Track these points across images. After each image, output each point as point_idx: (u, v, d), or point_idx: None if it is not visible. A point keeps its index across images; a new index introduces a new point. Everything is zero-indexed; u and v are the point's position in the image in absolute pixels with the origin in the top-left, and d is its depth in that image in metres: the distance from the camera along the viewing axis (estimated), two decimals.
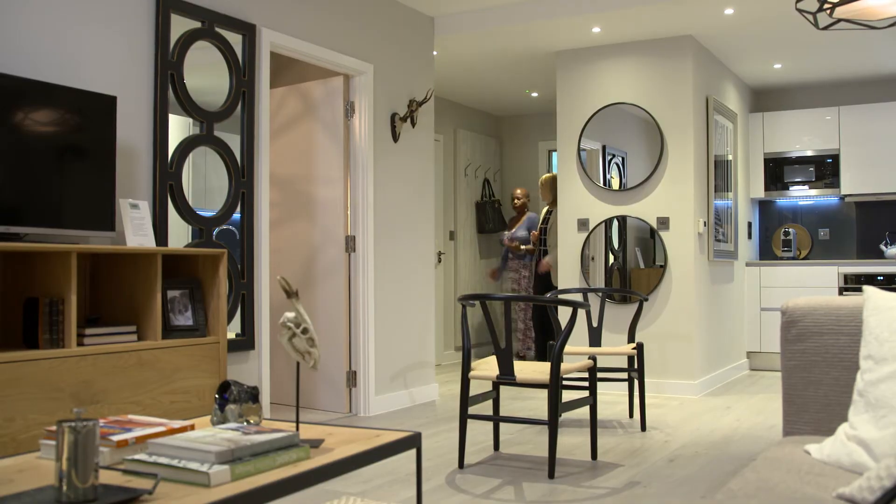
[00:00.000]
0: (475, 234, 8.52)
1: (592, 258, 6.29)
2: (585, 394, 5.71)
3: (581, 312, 5.56)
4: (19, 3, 3.27)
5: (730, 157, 6.91)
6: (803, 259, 7.63)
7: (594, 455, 3.93)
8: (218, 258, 3.63)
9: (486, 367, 3.86)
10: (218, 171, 4.29)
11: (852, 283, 6.99)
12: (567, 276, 6.38)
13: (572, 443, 4.31)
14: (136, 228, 3.47)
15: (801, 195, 7.58)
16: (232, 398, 2.19)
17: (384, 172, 5.36)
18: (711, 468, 3.78)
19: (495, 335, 3.87)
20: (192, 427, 2.11)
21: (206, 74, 4.18)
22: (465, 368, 3.80)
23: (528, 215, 7.73)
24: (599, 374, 5.58)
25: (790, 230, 7.67)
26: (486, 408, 5.14)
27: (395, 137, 5.46)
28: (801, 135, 7.51)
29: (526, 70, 7.04)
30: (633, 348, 4.72)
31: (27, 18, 3.29)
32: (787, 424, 2.13)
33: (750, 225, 7.72)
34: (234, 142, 4.25)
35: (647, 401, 5.36)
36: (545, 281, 7.17)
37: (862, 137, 7.25)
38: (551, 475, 3.56)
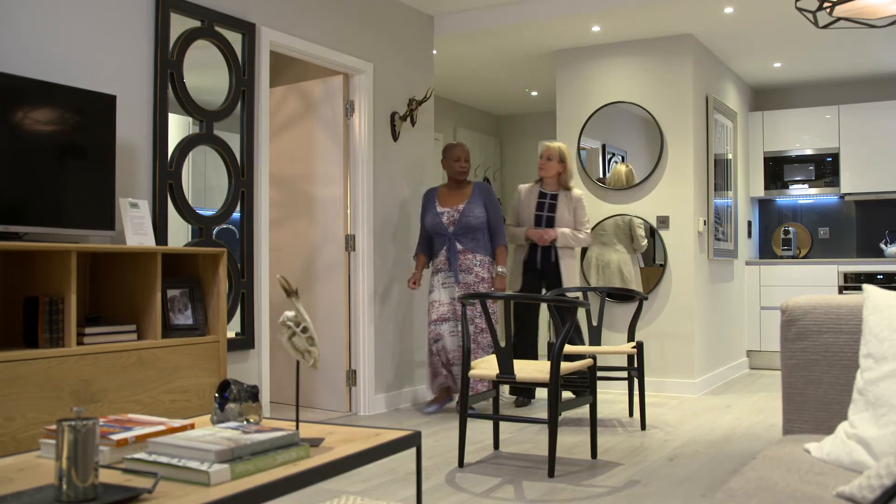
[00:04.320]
0: None
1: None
2: (585, 393, 5.71)
3: (581, 311, 5.56)
4: (19, 3, 3.27)
5: (729, 156, 6.91)
6: (803, 258, 7.63)
7: (594, 454, 3.93)
8: (218, 257, 3.63)
9: (486, 366, 3.86)
10: (218, 170, 4.29)
11: (852, 282, 6.99)
12: None
13: (572, 442, 4.31)
14: (135, 227, 3.47)
15: (801, 194, 7.57)
16: (232, 397, 2.19)
17: (384, 171, 5.36)
18: (711, 467, 3.78)
19: (495, 334, 3.87)
20: (191, 426, 2.11)
21: (205, 73, 4.18)
22: (465, 367, 3.80)
23: (476, 185, 5.24)
24: (599, 374, 5.58)
25: (790, 229, 7.67)
26: (485, 407, 5.14)
27: (395, 136, 5.46)
28: (800, 133, 7.51)
29: (526, 69, 7.04)
30: (633, 347, 4.72)
31: (27, 17, 3.29)
32: (786, 423, 2.13)
33: (750, 224, 7.72)
34: (233, 141, 4.25)
35: (647, 400, 5.36)
36: (545, 271, 5.39)
37: (862, 136, 7.25)
38: (551, 474, 3.56)
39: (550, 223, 5.37)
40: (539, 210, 5.41)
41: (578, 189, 5.59)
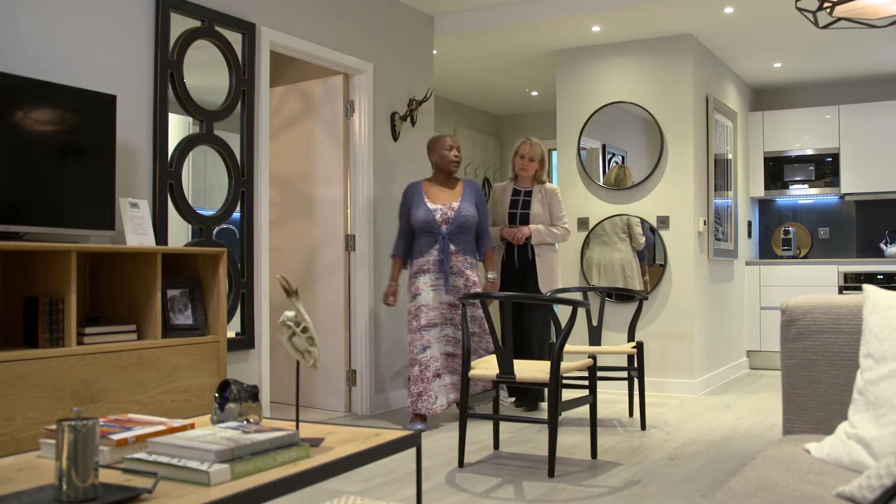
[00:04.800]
0: None
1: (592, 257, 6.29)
2: (585, 393, 5.71)
3: (581, 311, 5.55)
4: (19, 2, 3.27)
5: (730, 156, 6.91)
6: (803, 258, 7.63)
7: (594, 454, 3.93)
8: (218, 257, 3.63)
9: (486, 366, 3.86)
10: (218, 170, 4.29)
11: (852, 282, 6.99)
12: (567, 275, 6.38)
13: (572, 442, 4.31)
14: (135, 227, 3.47)
15: (801, 194, 7.57)
16: (232, 397, 2.19)
17: (384, 171, 5.36)
18: (711, 467, 3.78)
19: (495, 335, 3.86)
20: (191, 426, 2.11)
21: (205, 73, 4.18)
22: (465, 368, 3.80)
23: (466, 181, 4.94)
24: (599, 373, 5.58)
25: (790, 229, 7.67)
26: (485, 407, 5.14)
27: (395, 136, 5.46)
28: (800, 133, 7.51)
29: (526, 69, 7.04)
30: (633, 347, 4.72)
31: (27, 17, 3.29)
32: (786, 423, 2.13)
33: (750, 224, 7.72)
34: (233, 141, 4.25)
35: (647, 400, 5.36)
36: (524, 269, 5.21)
37: (862, 136, 7.25)
38: (551, 474, 3.56)
39: (525, 220, 5.18)
40: (513, 208, 5.23)
41: (552, 183, 5.31)
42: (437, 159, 4.88)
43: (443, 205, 4.73)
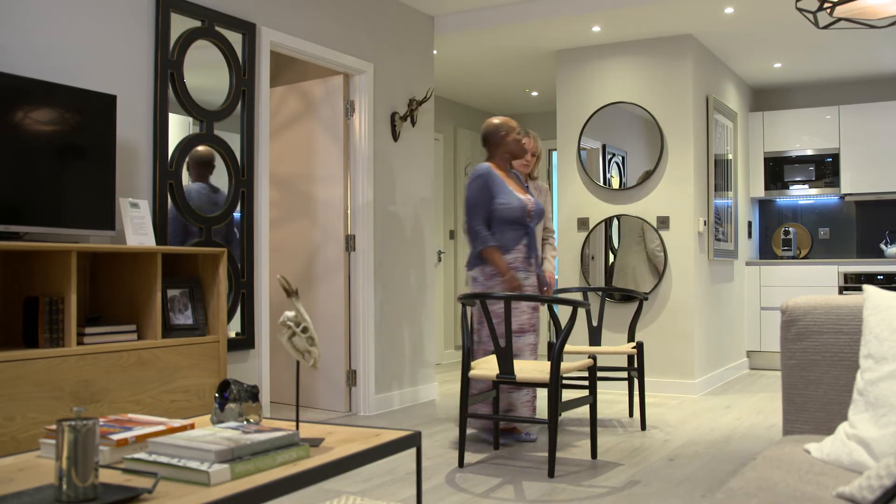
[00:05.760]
0: None
1: (592, 257, 6.29)
2: (585, 393, 5.71)
3: (581, 311, 5.55)
4: (20, 2, 3.27)
5: (730, 157, 6.91)
6: (803, 258, 7.63)
7: (594, 454, 3.93)
8: (218, 257, 3.63)
9: (486, 366, 3.86)
10: (218, 170, 4.29)
11: (852, 283, 6.99)
12: (567, 275, 6.38)
13: (572, 442, 4.31)
14: (136, 227, 3.47)
15: (801, 194, 7.57)
16: (232, 397, 2.19)
17: (384, 171, 5.36)
18: (711, 467, 3.78)
19: (495, 335, 3.86)
20: (191, 426, 2.11)
21: (206, 73, 4.18)
22: (465, 367, 3.80)
23: (516, 173, 4.58)
24: (599, 374, 5.58)
25: (790, 229, 7.67)
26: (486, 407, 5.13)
27: (396, 136, 5.46)
28: (801, 134, 7.51)
29: (526, 69, 7.04)
30: (633, 347, 4.71)
31: (27, 17, 3.29)
32: (786, 423, 2.13)
33: (750, 224, 7.72)
34: (234, 141, 4.25)
35: (647, 400, 5.36)
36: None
37: (862, 137, 7.25)
38: (551, 474, 3.56)
39: None
40: None
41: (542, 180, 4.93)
42: (512, 145, 4.37)
43: (524, 195, 4.30)
